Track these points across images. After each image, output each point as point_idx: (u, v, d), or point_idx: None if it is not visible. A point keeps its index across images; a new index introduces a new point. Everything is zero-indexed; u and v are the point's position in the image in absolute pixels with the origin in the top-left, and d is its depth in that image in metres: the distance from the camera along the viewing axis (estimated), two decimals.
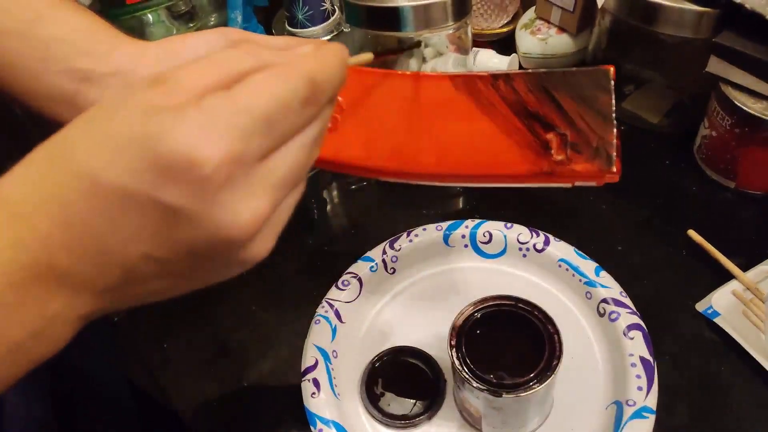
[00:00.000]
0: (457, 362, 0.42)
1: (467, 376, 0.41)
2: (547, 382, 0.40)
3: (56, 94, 0.39)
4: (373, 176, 0.44)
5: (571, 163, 0.38)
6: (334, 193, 0.68)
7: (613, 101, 0.38)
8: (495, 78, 0.41)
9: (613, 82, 0.39)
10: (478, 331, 0.43)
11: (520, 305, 0.44)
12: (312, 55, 0.29)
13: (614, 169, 0.37)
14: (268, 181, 0.26)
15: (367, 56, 0.36)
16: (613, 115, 0.38)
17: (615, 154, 0.37)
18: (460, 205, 0.64)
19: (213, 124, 0.24)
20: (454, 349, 0.43)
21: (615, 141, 0.38)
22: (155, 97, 0.25)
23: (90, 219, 0.24)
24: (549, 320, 0.43)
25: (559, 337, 0.42)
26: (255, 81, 0.26)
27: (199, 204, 0.24)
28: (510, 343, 0.44)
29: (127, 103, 0.25)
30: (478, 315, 0.44)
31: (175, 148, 0.24)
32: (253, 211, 0.26)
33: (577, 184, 0.39)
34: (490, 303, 0.44)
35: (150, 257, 0.25)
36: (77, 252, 0.25)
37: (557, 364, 0.41)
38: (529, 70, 0.41)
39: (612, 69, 0.39)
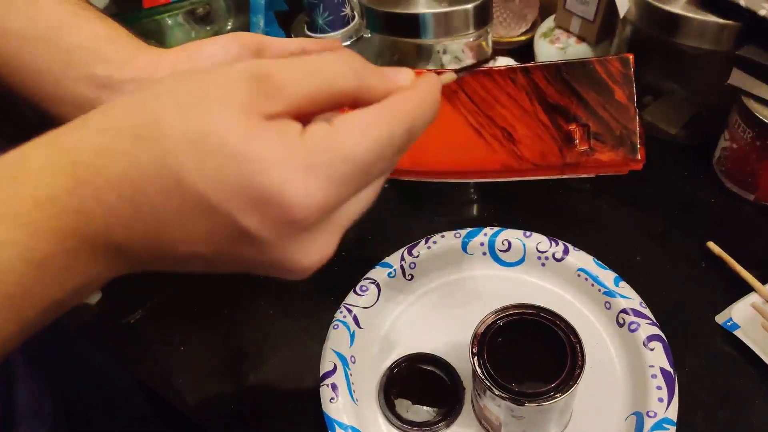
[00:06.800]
0: (479, 370, 0.42)
1: (489, 384, 0.41)
2: (569, 392, 0.40)
3: (77, 100, 0.39)
4: (397, 177, 0.43)
5: (596, 153, 0.38)
6: None
7: (635, 89, 0.38)
8: (513, 71, 0.40)
9: (633, 70, 0.39)
10: (499, 339, 0.43)
11: (543, 314, 0.44)
12: (413, 95, 0.28)
13: (639, 157, 0.37)
14: (341, 223, 0.27)
15: (450, 76, 0.34)
16: (635, 103, 0.38)
17: (639, 142, 0.37)
18: (479, 213, 0.64)
19: (315, 169, 0.24)
20: (476, 357, 0.42)
21: (638, 129, 0.37)
22: (255, 98, 0.24)
23: (160, 211, 0.24)
24: (571, 330, 0.43)
25: (581, 347, 0.42)
26: (359, 124, 0.26)
27: (276, 239, 0.25)
28: (532, 352, 0.44)
29: (225, 97, 0.25)
30: (500, 323, 0.44)
31: (272, 185, 0.24)
32: (321, 254, 0.27)
33: (600, 173, 0.39)
34: (512, 311, 0.44)
35: (202, 256, 0.26)
36: (136, 234, 0.25)
37: (579, 374, 0.41)
38: (547, 62, 0.40)
39: (632, 57, 0.39)
